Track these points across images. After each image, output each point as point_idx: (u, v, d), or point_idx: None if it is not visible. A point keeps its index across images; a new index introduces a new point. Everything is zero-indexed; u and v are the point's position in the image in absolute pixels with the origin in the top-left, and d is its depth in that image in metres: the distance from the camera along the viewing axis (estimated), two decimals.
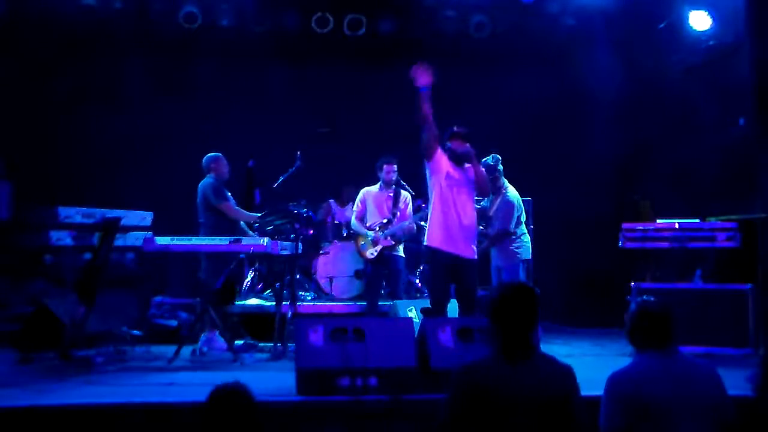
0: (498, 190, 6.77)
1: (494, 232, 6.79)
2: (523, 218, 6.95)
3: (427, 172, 5.94)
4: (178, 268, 7.86)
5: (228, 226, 6.71)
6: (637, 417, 3.07)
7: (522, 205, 6.92)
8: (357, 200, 7.32)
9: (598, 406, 3.21)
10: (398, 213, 7.14)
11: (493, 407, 2.91)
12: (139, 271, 7.15)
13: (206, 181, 6.81)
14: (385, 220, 7.13)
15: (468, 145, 5.89)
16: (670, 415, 3.04)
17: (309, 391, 4.67)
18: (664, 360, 3.18)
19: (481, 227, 6.80)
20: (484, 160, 6.60)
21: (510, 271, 6.75)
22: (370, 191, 7.26)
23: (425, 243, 5.93)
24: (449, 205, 5.78)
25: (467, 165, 5.90)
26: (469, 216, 5.87)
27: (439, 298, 5.83)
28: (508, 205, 6.76)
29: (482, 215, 6.80)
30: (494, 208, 6.85)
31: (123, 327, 6.66)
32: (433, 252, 5.83)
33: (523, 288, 3.13)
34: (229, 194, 6.96)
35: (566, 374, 3.08)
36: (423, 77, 5.66)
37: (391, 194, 7.21)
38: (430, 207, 5.93)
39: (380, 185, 7.22)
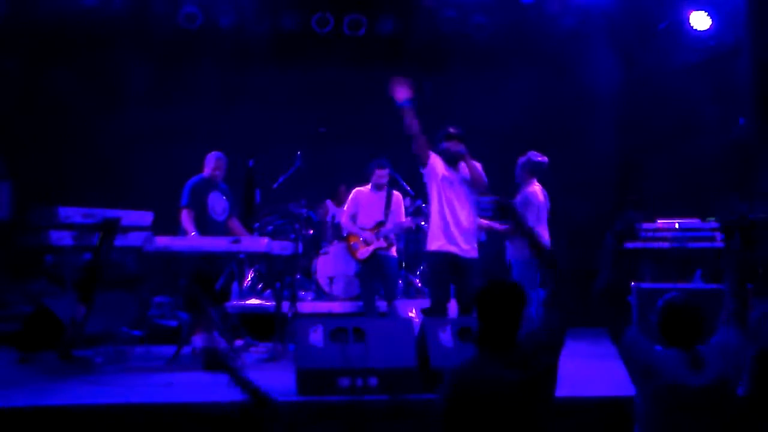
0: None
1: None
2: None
3: (424, 177, 5.95)
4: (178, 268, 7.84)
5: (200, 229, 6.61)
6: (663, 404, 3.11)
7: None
8: (348, 199, 7.25)
9: (599, 406, 3.22)
10: (390, 214, 7.10)
11: (483, 405, 2.92)
12: (139, 271, 7.13)
13: (191, 179, 6.84)
14: (378, 223, 7.08)
15: (462, 145, 5.88)
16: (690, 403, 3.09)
17: (309, 391, 4.68)
18: (685, 354, 3.28)
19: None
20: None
21: (520, 265, 6.80)
22: (361, 191, 7.18)
23: (427, 248, 5.90)
24: (448, 207, 5.77)
25: (462, 164, 5.89)
26: (469, 216, 5.86)
27: (440, 299, 5.82)
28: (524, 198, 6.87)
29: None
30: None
31: (123, 327, 6.65)
32: (434, 255, 5.81)
33: (508, 285, 3.13)
34: (228, 201, 6.92)
35: (540, 338, 3.13)
36: (401, 92, 5.64)
37: (384, 195, 7.16)
38: (430, 211, 5.92)
39: (371, 187, 7.14)
